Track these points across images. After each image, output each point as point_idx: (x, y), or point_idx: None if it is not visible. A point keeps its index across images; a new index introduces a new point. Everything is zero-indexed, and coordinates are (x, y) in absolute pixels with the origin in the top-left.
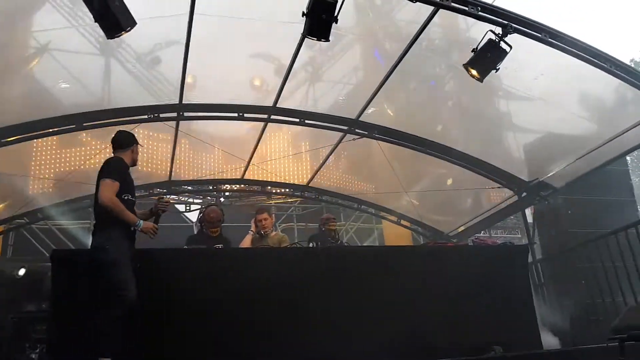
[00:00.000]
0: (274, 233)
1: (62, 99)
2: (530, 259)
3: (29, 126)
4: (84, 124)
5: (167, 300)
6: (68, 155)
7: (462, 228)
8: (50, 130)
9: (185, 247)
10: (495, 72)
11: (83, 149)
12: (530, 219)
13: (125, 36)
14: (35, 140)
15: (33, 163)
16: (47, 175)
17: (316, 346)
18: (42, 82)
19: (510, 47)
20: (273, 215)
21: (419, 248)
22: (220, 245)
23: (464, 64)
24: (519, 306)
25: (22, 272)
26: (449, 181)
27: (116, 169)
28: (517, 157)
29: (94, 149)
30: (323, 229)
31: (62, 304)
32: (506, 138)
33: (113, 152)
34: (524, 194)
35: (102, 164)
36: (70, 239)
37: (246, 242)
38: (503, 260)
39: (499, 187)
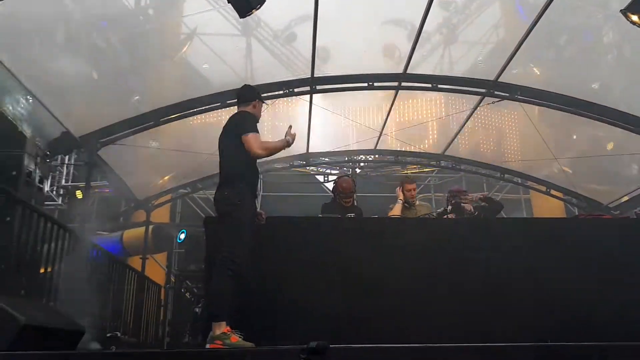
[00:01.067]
0: (418, 203)
1: (211, 79)
2: None
3: (184, 105)
4: (228, 102)
5: (296, 268)
6: (215, 130)
7: (625, 198)
8: (201, 108)
9: (320, 215)
10: None
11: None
12: None
13: (262, 15)
14: (190, 117)
15: (190, 138)
16: (202, 150)
17: (453, 321)
18: (194, 65)
19: None
20: None
21: (569, 220)
22: (352, 214)
23: (621, 10)
24: None
25: (182, 236)
26: (610, 145)
27: (253, 122)
28: None
29: None
30: (453, 201)
31: (212, 265)
32: None
33: (238, 106)
34: None
35: (233, 119)
36: None
37: (396, 211)
38: None
39: None
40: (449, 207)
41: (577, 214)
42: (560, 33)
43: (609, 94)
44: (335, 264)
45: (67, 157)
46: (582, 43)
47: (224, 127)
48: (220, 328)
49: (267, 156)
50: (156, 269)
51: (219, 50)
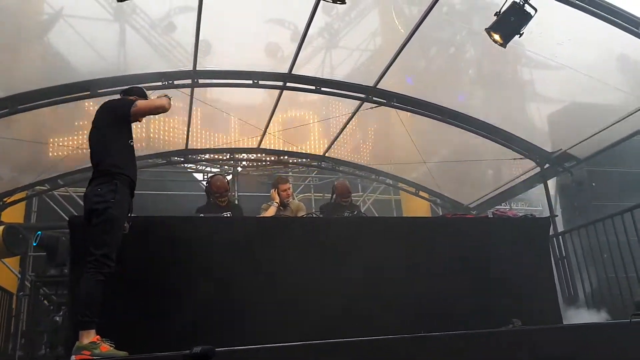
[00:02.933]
0: (291, 200)
1: (77, 66)
2: (552, 232)
3: (46, 92)
4: (99, 91)
5: (169, 271)
6: (83, 122)
7: (482, 200)
8: (66, 96)
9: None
10: (519, 37)
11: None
12: (552, 191)
13: (139, 2)
14: (53, 106)
15: (52, 130)
16: (65, 143)
17: (332, 317)
18: (58, 49)
19: (535, 10)
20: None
21: (437, 219)
22: (228, 213)
23: (486, 29)
24: (539, 279)
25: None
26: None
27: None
28: (541, 128)
29: None
30: (334, 199)
31: (80, 269)
32: (529, 107)
33: None
34: (547, 165)
35: (107, 105)
36: None
37: (270, 214)
38: (524, 233)
39: (520, 158)
40: (333, 197)
41: (440, 213)
42: (430, 46)
43: (469, 104)
44: (212, 265)
45: None
46: (448, 56)
47: (96, 116)
48: (89, 337)
49: (165, 105)
50: (7, 275)
51: (88, 35)
